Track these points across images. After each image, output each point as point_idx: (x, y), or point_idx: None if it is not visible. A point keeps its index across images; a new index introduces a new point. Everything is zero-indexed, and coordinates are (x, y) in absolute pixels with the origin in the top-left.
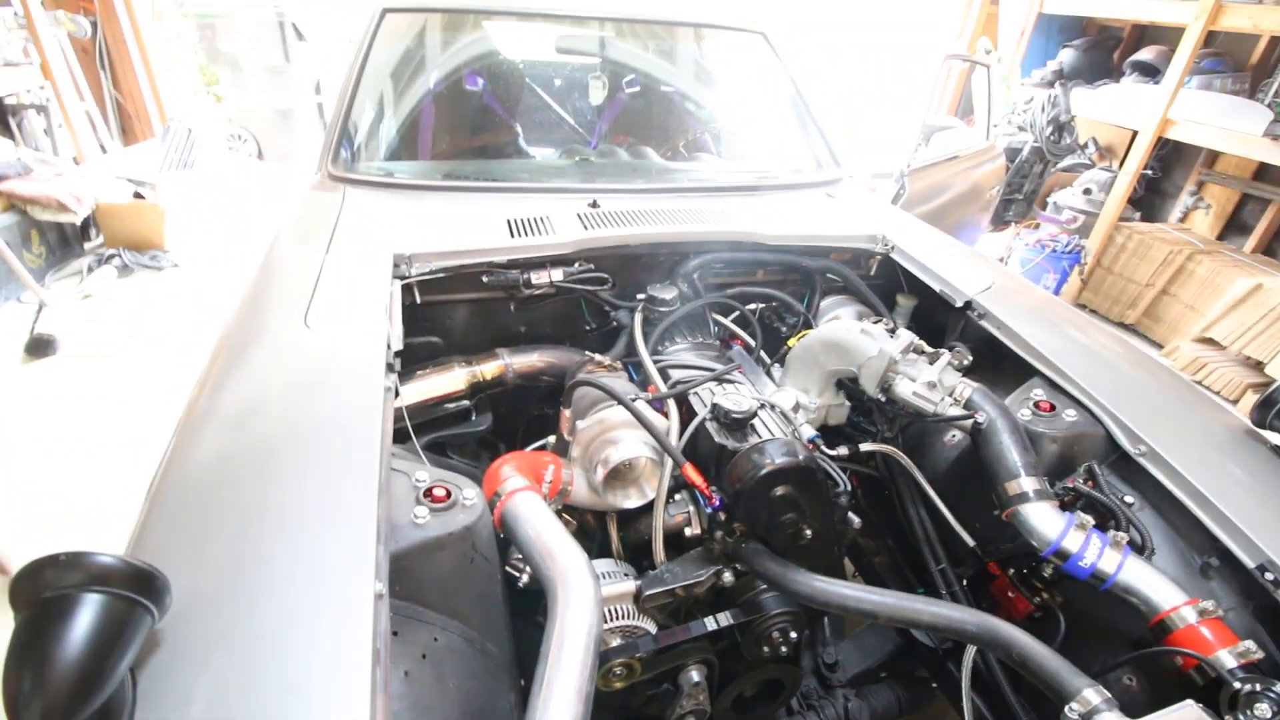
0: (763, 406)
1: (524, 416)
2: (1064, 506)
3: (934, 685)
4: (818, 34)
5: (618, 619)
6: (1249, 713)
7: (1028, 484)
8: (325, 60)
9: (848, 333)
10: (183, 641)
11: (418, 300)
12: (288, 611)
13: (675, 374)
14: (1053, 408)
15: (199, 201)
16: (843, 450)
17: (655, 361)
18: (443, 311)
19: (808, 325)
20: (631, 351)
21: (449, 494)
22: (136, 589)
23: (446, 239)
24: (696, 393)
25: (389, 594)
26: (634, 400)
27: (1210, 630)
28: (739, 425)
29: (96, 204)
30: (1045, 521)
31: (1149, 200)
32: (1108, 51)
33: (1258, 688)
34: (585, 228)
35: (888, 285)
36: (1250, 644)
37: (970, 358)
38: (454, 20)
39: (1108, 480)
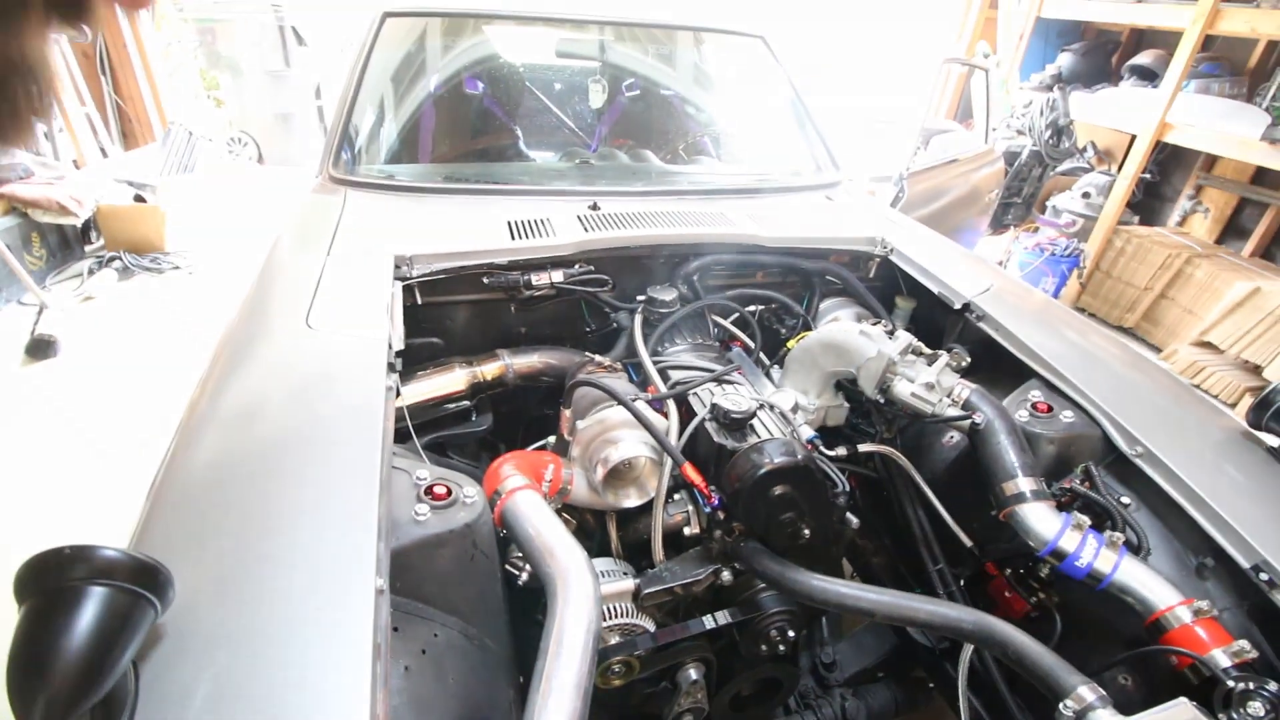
0: (762, 407)
1: (524, 417)
2: (1061, 507)
3: (931, 685)
4: (818, 37)
5: (616, 617)
6: (1242, 711)
7: (1025, 484)
8: (326, 64)
9: (846, 334)
10: (185, 635)
11: (419, 301)
12: (289, 607)
13: (675, 375)
14: (1050, 409)
15: (199, 204)
16: (841, 451)
17: (655, 362)
18: (443, 312)
19: (807, 327)
20: (631, 352)
21: (450, 492)
22: (140, 582)
23: (447, 240)
24: (696, 393)
25: (390, 590)
26: (634, 400)
27: (1205, 630)
28: (738, 425)
29: (97, 207)
30: (1042, 521)
31: (1147, 204)
32: (1106, 55)
33: (1251, 686)
34: (585, 230)
35: (886, 287)
36: (1244, 643)
37: (968, 359)
38: (454, 24)
39: (1104, 481)
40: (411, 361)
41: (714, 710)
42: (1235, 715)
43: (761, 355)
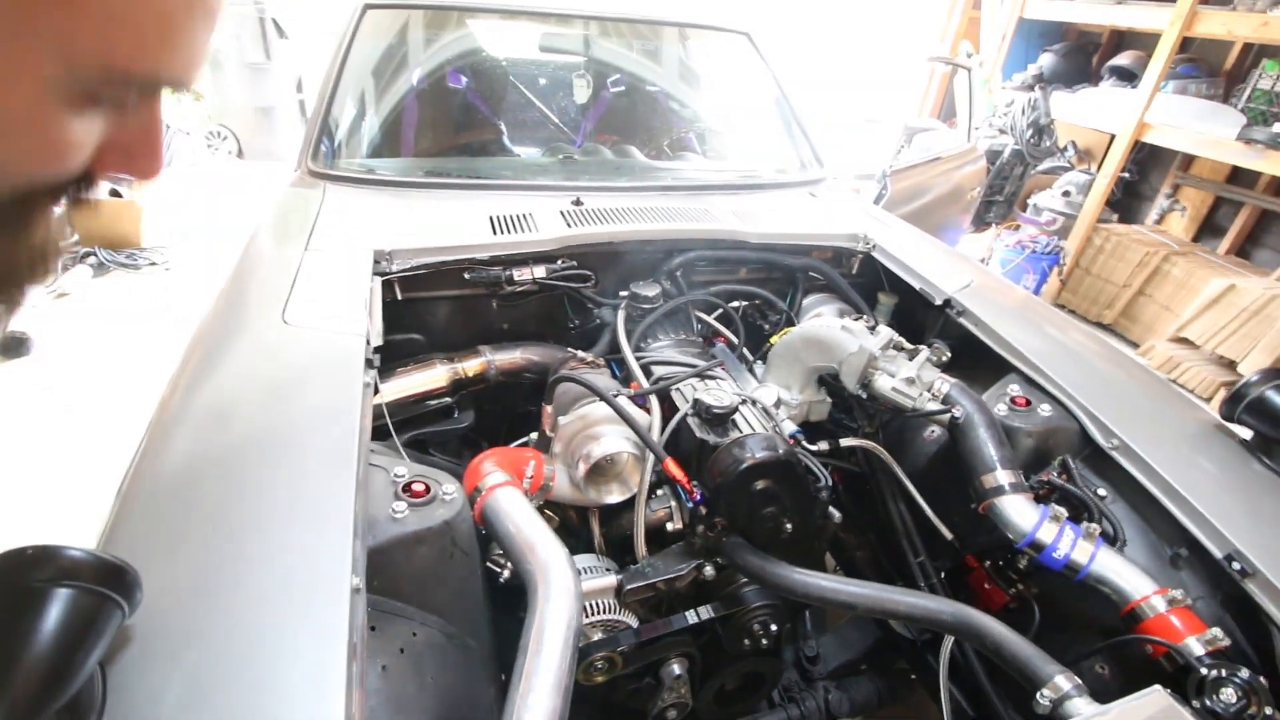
0: (744, 402)
1: (507, 413)
2: (1039, 499)
3: (913, 676)
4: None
5: (599, 613)
6: (1215, 697)
7: (1003, 477)
8: (307, 57)
9: (829, 330)
10: (155, 637)
11: (399, 297)
12: (262, 607)
13: (658, 370)
14: (1028, 403)
15: (178, 199)
16: (823, 445)
17: (638, 358)
18: (424, 308)
19: (790, 322)
20: (615, 348)
21: (428, 489)
22: (106, 583)
23: (428, 235)
24: (679, 389)
25: (366, 589)
26: (616, 396)
27: (1179, 619)
28: (720, 420)
29: None
30: (1020, 514)
31: (1126, 202)
32: (1087, 56)
33: (1223, 673)
34: (568, 225)
35: (869, 283)
36: (1217, 631)
37: (949, 354)
38: (437, 17)
39: (1081, 474)
40: (392, 358)
41: (698, 705)
42: (1208, 702)
43: (745, 351)
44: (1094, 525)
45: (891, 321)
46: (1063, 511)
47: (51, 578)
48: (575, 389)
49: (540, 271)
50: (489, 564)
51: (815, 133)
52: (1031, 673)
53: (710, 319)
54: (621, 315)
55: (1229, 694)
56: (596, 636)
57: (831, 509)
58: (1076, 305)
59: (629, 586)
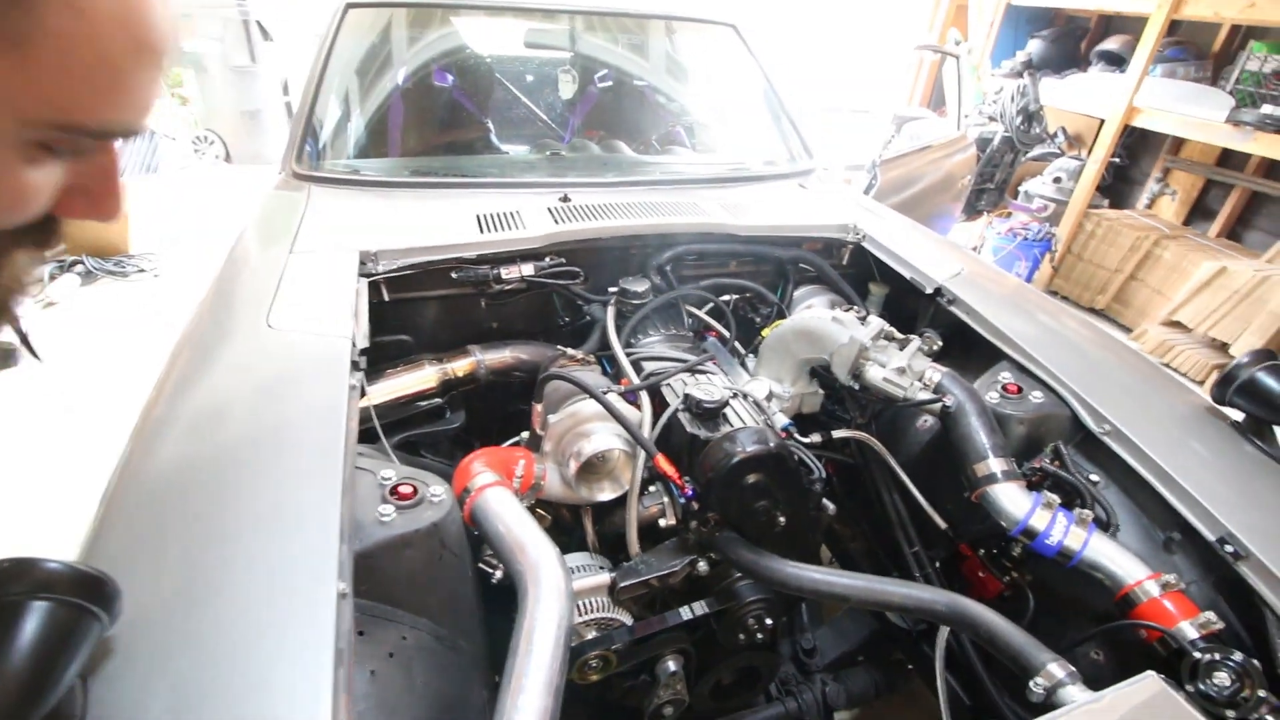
0: (735, 396)
1: (499, 413)
2: (1031, 486)
3: (909, 667)
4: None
5: (592, 611)
6: (1208, 681)
7: (995, 465)
8: (293, 59)
9: (819, 321)
10: (139, 648)
11: (386, 298)
12: (248, 614)
13: (649, 366)
14: (1020, 390)
15: (165, 205)
16: (816, 438)
17: (628, 354)
18: (412, 309)
19: (781, 315)
20: (605, 345)
21: (416, 491)
22: (84, 595)
23: (414, 235)
24: (669, 384)
25: (354, 594)
26: (605, 393)
27: (1173, 603)
28: (711, 415)
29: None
30: (1013, 501)
31: (1117, 188)
32: (1075, 41)
33: (1217, 657)
34: (556, 222)
35: (860, 274)
36: (1211, 615)
37: (940, 343)
38: (420, 15)
39: (1073, 459)
40: (381, 360)
41: (694, 701)
42: (1202, 686)
43: (737, 344)
44: (1086, 511)
45: (883, 312)
46: (1055, 498)
47: (27, 591)
48: (565, 387)
49: (528, 269)
50: (481, 565)
51: (804, 124)
52: (1025, 661)
53: (701, 313)
54: (611, 311)
55: (1222, 677)
56: (590, 635)
57: (825, 501)
58: (1069, 291)
59: (622, 584)
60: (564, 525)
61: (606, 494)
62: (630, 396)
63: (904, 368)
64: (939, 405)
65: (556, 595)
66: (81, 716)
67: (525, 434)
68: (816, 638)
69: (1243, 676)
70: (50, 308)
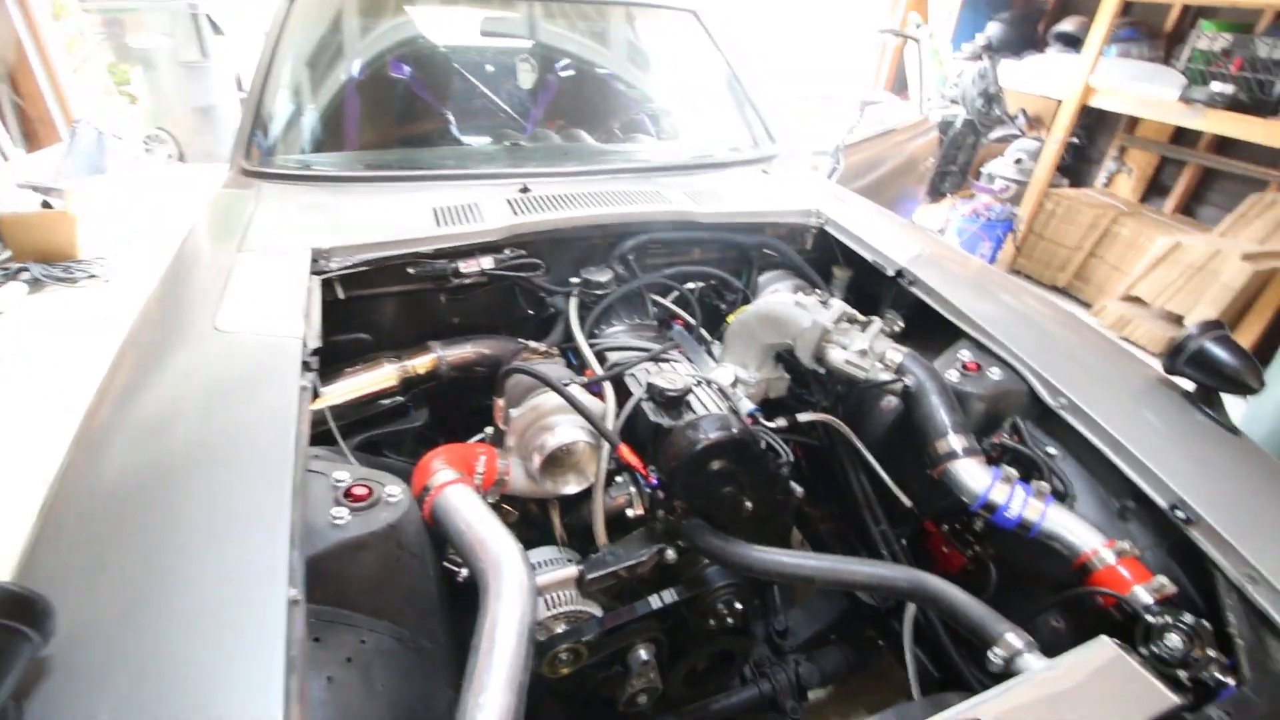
0: (698, 383)
1: (464, 410)
2: (991, 461)
3: (880, 643)
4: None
5: (561, 605)
6: (1160, 643)
7: (956, 442)
8: (246, 54)
9: (782, 306)
10: (78, 666)
11: (341, 296)
12: (193, 626)
13: (613, 356)
14: (979, 367)
15: (114, 207)
16: (782, 422)
17: (592, 345)
18: (369, 306)
19: (746, 301)
20: (569, 337)
21: (371, 492)
22: (10, 615)
23: (368, 231)
24: (633, 373)
25: (307, 599)
26: (567, 384)
27: (1127, 569)
28: (674, 403)
29: (0, 215)
30: (973, 477)
31: (1076, 167)
32: (1032, 23)
33: (1169, 619)
34: (515, 213)
35: (824, 258)
36: (1164, 579)
37: (902, 324)
38: (373, 3)
39: (1031, 434)
40: (339, 359)
41: (669, 688)
42: (1154, 648)
43: (703, 332)
44: (1044, 484)
45: (847, 295)
46: (1014, 472)
47: None
48: (526, 380)
49: (488, 262)
50: (445, 564)
51: (767, 109)
52: (984, 633)
53: (666, 301)
54: (574, 303)
55: (1174, 639)
56: (560, 629)
57: (793, 484)
58: (1032, 270)
59: (590, 576)
60: (532, 520)
61: (572, 487)
62: (594, 388)
63: (866, 349)
64: (900, 385)
65: (518, 590)
66: None
67: (489, 429)
68: (789, 619)
69: (1193, 638)
70: None
